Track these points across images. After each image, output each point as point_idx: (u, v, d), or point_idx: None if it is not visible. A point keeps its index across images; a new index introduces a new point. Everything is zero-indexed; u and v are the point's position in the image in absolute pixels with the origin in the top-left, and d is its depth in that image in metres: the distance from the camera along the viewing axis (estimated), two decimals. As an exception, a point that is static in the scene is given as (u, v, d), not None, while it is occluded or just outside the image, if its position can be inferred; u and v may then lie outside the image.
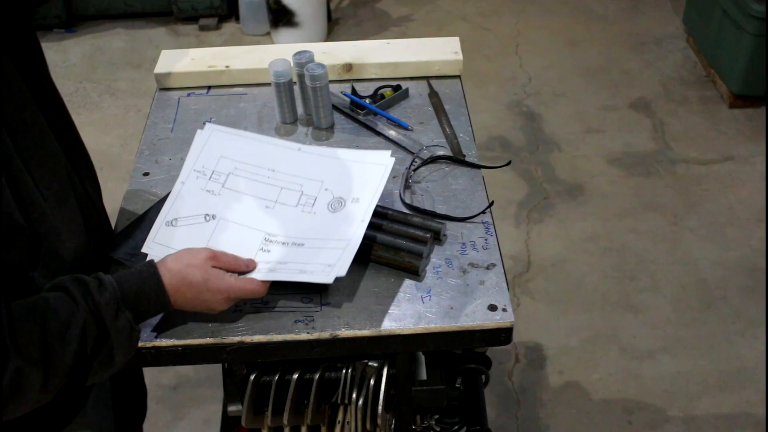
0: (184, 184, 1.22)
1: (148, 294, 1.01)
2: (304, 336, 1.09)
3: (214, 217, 1.19)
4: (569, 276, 2.69)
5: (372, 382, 1.22)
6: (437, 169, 1.39)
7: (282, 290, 1.15)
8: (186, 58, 1.66)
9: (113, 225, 1.28)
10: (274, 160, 1.25)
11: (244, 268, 1.11)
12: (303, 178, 1.23)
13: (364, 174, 1.22)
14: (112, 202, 1.26)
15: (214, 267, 1.06)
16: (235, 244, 1.15)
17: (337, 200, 1.20)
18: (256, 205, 1.21)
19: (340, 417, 1.28)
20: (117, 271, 1.11)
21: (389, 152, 1.24)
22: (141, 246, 1.16)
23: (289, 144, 1.28)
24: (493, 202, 1.30)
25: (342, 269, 1.09)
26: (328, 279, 1.08)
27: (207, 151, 1.25)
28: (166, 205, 1.20)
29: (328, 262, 1.11)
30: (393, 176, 1.37)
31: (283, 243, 1.16)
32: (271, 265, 1.13)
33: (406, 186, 1.34)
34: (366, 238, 1.20)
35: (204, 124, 1.27)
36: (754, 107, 3.43)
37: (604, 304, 2.58)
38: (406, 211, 1.29)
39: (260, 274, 1.11)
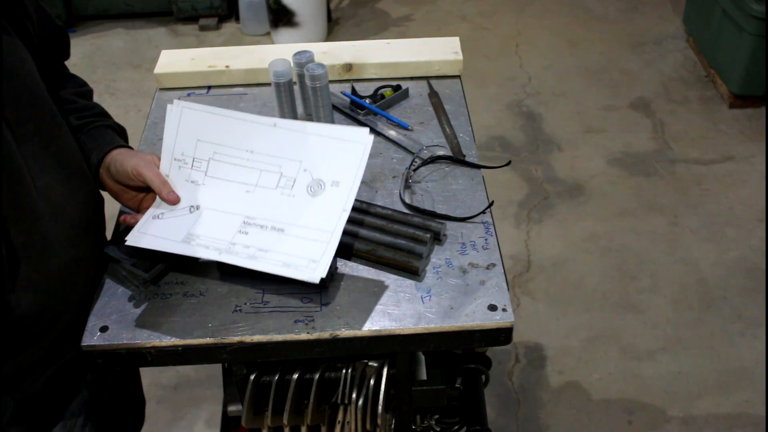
0: (168, 177, 1.22)
1: None
2: (304, 336, 1.09)
3: (198, 207, 1.19)
4: (569, 276, 2.69)
5: (372, 382, 1.22)
6: (437, 169, 1.39)
7: (281, 290, 1.15)
8: (186, 58, 1.66)
9: (112, 226, 1.27)
10: (251, 140, 1.23)
11: None
12: (281, 158, 1.22)
13: (343, 153, 1.20)
14: (113, 202, 1.26)
15: None
16: (214, 229, 1.16)
17: (316, 182, 1.19)
18: (237, 190, 1.21)
19: (340, 417, 1.28)
20: (113, 269, 1.11)
21: (367, 129, 1.20)
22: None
23: (263, 119, 1.25)
24: (493, 202, 1.29)
25: (325, 268, 1.08)
26: (313, 278, 1.07)
27: (182, 133, 1.24)
28: (156, 200, 1.20)
29: (312, 257, 1.10)
30: (393, 176, 1.37)
31: (262, 226, 1.16)
32: (252, 251, 1.12)
33: (406, 186, 1.34)
34: (366, 238, 1.20)
35: (173, 100, 1.26)
36: (754, 107, 3.43)
37: (604, 304, 2.58)
38: (406, 211, 1.28)
39: (239, 259, 1.11)
